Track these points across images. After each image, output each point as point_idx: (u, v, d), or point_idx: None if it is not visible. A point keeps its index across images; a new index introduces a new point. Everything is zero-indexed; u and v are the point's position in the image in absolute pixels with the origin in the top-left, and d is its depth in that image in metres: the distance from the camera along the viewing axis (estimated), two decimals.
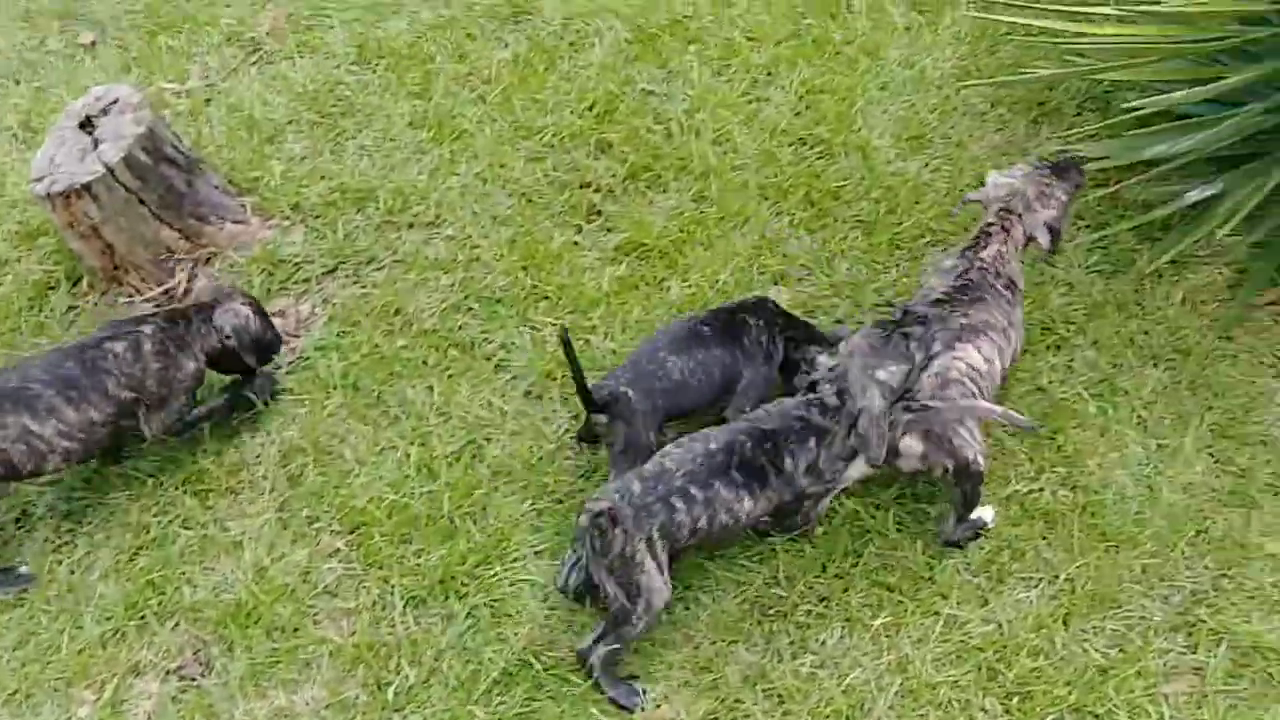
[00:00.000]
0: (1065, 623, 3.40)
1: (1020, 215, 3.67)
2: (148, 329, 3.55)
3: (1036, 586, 3.46)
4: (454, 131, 4.38)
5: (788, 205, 4.21)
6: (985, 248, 3.63)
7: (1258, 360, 3.87)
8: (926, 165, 4.32)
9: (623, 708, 3.24)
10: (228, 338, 3.62)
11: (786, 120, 4.43)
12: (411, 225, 4.17)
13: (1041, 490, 3.62)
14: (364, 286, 4.02)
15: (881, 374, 3.28)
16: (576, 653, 3.27)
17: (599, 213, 4.22)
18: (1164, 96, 3.50)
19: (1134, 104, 3.53)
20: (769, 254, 4.09)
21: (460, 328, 3.93)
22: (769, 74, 4.58)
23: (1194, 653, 3.36)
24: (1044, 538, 3.54)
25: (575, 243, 4.13)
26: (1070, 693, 3.27)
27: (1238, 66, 3.62)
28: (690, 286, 4.01)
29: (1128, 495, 3.61)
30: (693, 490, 3.18)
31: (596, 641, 3.23)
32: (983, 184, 3.80)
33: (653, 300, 3.98)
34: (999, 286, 3.57)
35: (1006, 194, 3.70)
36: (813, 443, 3.30)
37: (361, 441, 3.68)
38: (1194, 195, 3.91)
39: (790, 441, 3.29)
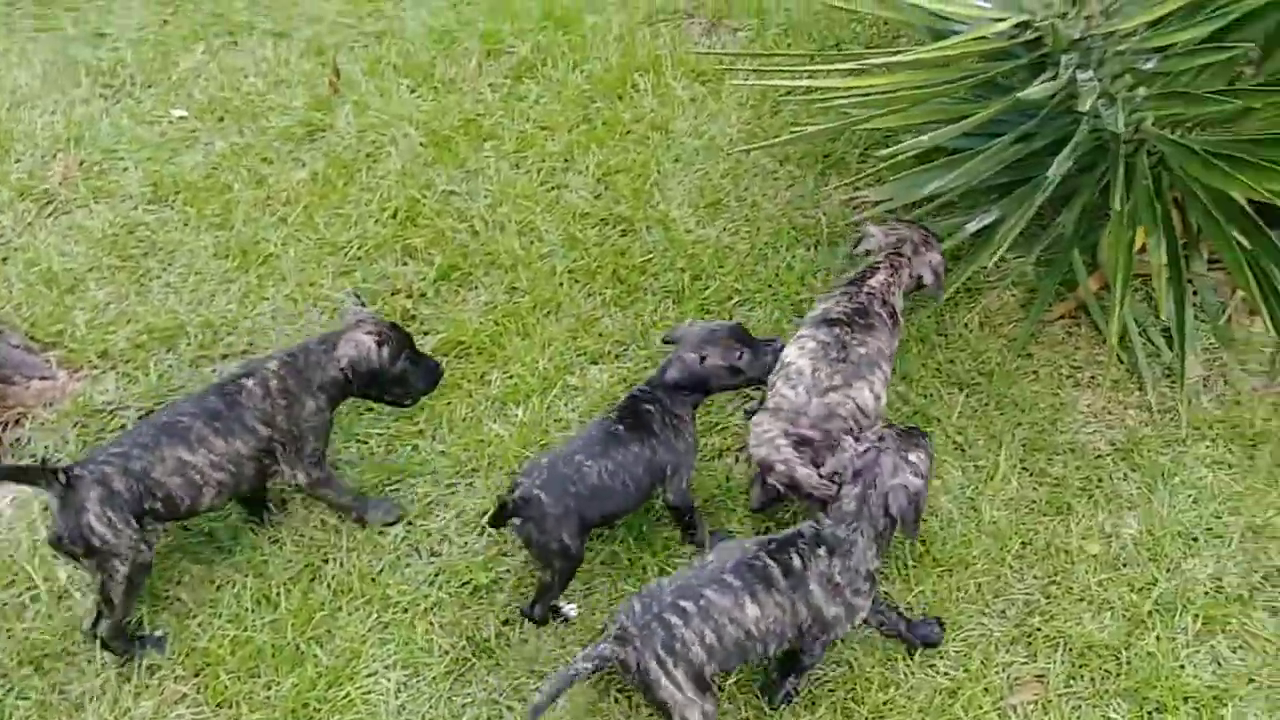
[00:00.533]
0: (910, 651, 3.50)
1: (909, 258, 3.82)
2: (272, 365, 3.57)
3: None
4: (259, 257, 4.39)
5: (597, 285, 4.30)
6: (873, 277, 3.75)
7: (1056, 372, 4.08)
8: (725, 229, 4.46)
9: None
10: (343, 369, 3.59)
11: (587, 203, 4.54)
12: (225, 356, 4.14)
13: None
14: None
15: (912, 457, 3.24)
16: None
17: (414, 317, 4.25)
18: (919, 139, 3.70)
19: (891, 150, 3.72)
20: (584, 335, 4.17)
21: None
22: (565, 161, 4.70)
23: (1034, 661, 3.48)
24: (880, 572, 3.65)
25: None
26: (923, 718, 3.37)
27: (995, 100, 3.84)
28: (511, 377, 4.06)
29: (954, 519, 3.75)
30: (684, 604, 3.06)
31: None
32: (862, 238, 3.91)
33: (475, 396, 4.02)
34: (884, 315, 3.69)
35: (895, 240, 3.85)
36: (824, 551, 3.20)
37: (196, 582, 3.62)
38: (973, 225, 4.11)
39: (800, 543, 3.21)
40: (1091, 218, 4.18)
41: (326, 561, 3.66)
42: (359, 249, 4.41)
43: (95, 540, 3.31)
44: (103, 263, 4.38)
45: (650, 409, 3.56)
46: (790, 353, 3.56)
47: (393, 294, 4.30)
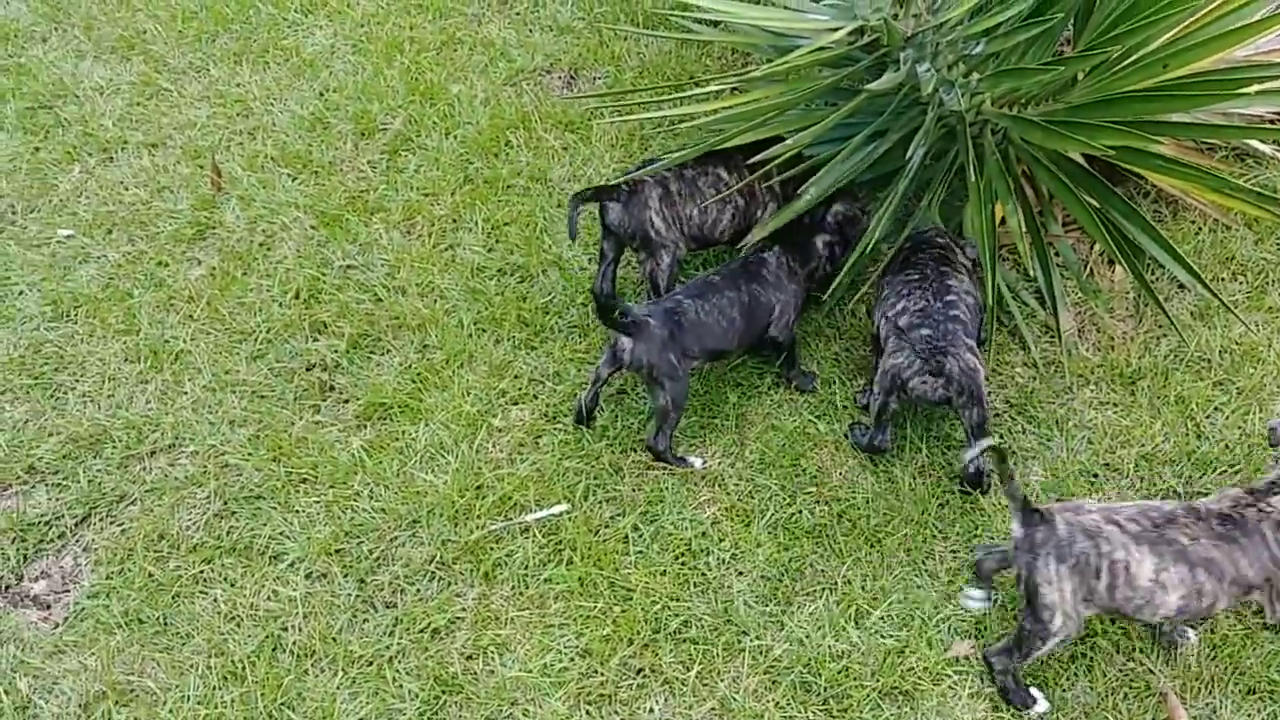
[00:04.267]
0: (856, 621, 3.70)
1: None
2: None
3: (821, 597, 3.76)
4: (170, 354, 4.46)
5: (504, 331, 4.47)
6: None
7: None
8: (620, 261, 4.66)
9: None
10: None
11: (482, 257, 4.71)
12: (153, 453, 4.20)
13: (800, 512, 3.94)
14: (121, 524, 4.02)
15: None
16: (986, 656, 3.52)
17: (332, 388, 4.36)
18: (784, 144, 3.95)
19: (759, 158, 3.97)
20: (500, 379, 4.33)
21: (228, 532, 3.97)
22: (454, 221, 4.87)
23: (969, 611, 3.71)
24: (814, 553, 3.85)
25: (317, 422, 4.25)
26: (877, 680, 3.56)
27: (845, 102, 4.12)
28: (438, 426, 4.20)
29: (874, 494, 3.97)
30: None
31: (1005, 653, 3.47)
32: None
33: (405, 453, 4.15)
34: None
35: None
36: None
37: (160, 669, 3.66)
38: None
39: None
40: (951, 199, 4.48)
41: (285, 630, 3.74)
42: (268, 332, 4.52)
43: (652, 233, 4.25)
44: (14, 384, 4.41)
45: (764, 256, 4.23)
46: None
47: (308, 369, 4.41)
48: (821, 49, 3.85)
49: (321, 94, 5.48)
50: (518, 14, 5.74)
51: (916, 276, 4.00)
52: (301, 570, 3.88)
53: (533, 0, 5.78)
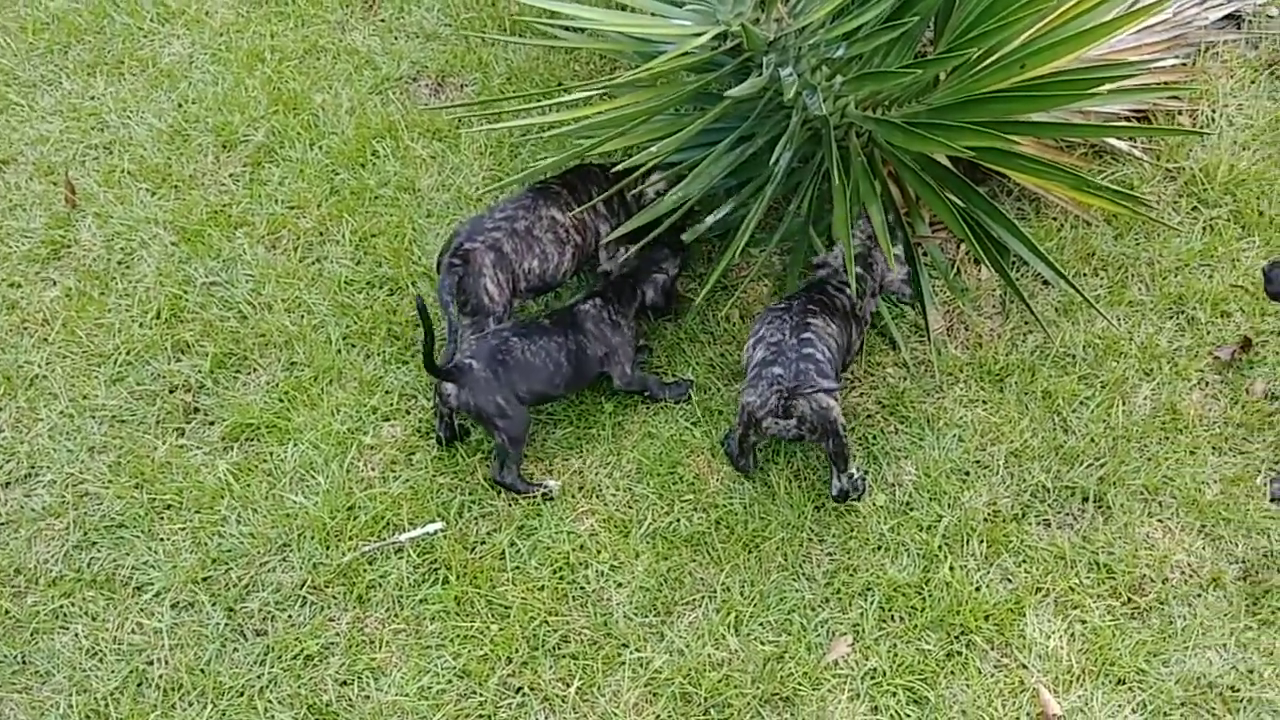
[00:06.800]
0: (735, 628, 3.70)
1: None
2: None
3: (700, 606, 3.75)
4: (24, 380, 4.29)
5: (374, 346, 4.38)
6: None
7: None
8: None
9: None
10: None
11: (350, 270, 4.61)
12: (7, 484, 4.04)
13: (678, 520, 3.93)
14: None
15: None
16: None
17: (197, 410, 4.24)
18: (648, 151, 3.94)
19: (623, 165, 3.95)
20: (370, 394, 4.24)
21: (89, 564, 3.84)
22: (320, 234, 4.76)
23: (847, 613, 3.73)
24: (693, 560, 3.85)
25: (181, 445, 4.12)
26: (757, 687, 3.57)
27: (710, 108, 4.11)
28: (307, 446, 4.10)
29: (750, 499, 3.98)
30: None
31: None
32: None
33: (275, 475, 4.04)
34: None
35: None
36: None
37: (18, 711, 3.52)
38: (711, 219, 4.35)
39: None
40: (820, 203, 4.50)
41: (151, 663, 3.62)
42: (128, 354, 4.36)
43: (486, 299, 4.08)
44: None
45: (584, 308, 4.17)
46: None
47: (171, 391, 4.27)
48: (685, 54, 3.84)
49: (180, 105, 5.31)
50: (382, 21, 5.63)
51: (782, 308, 4.00)
52: (167, 600, 3.76)
53: (397, 6, 5.67)
